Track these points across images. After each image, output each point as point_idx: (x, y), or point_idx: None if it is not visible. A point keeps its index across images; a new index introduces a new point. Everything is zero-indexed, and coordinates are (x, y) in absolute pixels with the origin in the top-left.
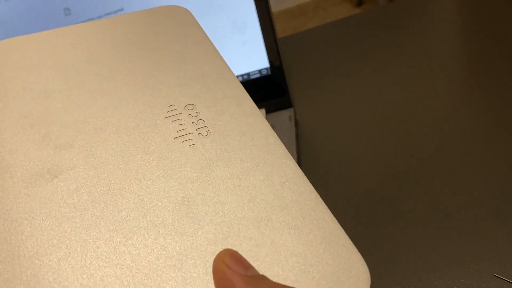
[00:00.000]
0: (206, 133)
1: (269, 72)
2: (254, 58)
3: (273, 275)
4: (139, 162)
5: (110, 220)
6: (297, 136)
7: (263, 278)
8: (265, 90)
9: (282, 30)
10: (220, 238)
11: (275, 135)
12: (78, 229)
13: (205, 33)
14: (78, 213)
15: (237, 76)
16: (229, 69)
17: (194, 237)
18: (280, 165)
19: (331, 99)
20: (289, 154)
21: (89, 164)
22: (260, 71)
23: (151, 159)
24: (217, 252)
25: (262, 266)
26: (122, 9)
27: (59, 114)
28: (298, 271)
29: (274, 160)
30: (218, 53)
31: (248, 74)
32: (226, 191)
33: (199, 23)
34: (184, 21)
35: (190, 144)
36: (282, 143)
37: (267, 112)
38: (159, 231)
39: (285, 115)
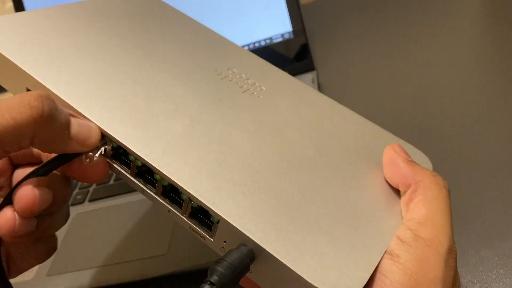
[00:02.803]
0: (262, 88)
1: (292, 36)
2: (277, 22)
3: None
4: (248, 110)
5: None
6: None
7: (416, 163)
8: (288, 54)
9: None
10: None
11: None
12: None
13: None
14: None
15: (260, 41)
16: (224, 37)
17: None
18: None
19: (353, 61)
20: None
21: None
22: (282, 35)
23: (249, 109)
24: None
25: None
26: None
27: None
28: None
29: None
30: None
31: (270, 38)
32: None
33: None
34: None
35: (257, 95)
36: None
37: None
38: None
39: (308, 77)
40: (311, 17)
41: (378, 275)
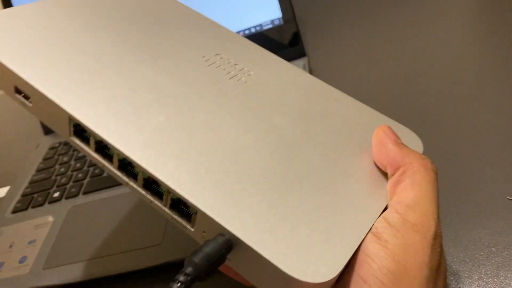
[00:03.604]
0: (250, 73)
1: (282, 22)
2: (267, 8)
3: None
4: (231, 100)
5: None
6: None
7: (405, 145)
8: (279, 40)
9: None
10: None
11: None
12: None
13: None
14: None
15: (250, 28)
16: (213, 21)
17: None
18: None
19: (344, 46)
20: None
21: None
22: (272, 21)
23: (235, 96)
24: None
25: None
26: None
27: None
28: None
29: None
30: (193, 9)
31: (260, 25)
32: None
33: None
34: None
35: (244, 81)
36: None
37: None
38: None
39: (299, 64)
40: (301, 2)
41: (365, 258)
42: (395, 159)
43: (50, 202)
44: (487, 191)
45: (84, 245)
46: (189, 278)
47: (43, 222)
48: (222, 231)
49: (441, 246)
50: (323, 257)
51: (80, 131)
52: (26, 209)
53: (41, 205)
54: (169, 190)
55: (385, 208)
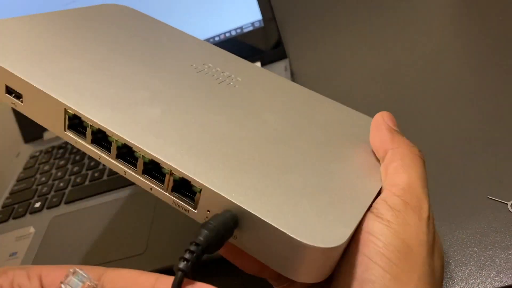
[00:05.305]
0: (238, 79)
1: (262, 24)
2: (246, 11)
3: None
4: (228, 101)
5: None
6: None
7: (402, 135)
8: (260, 43)
9: None
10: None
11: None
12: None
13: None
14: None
15: (231, 30)
16: (196, 38)
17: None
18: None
19: (325, 48)
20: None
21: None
22: (253, 23)
23: (226, 96)
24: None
25: None
26: None
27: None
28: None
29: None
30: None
31: (241, 27)
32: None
33: None
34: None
35: (234, 85)
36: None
37: (263, 64)
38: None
39: (280, 66)
40: (281, 4)
41: (369, 237)
42: (385, 141)
43: (31, 213)
44: (468, 191)
45: (67, 256)
46: (199, 247)
47: (25, 234)
48: (228, 207)
49: (434, 227)
50: (331, 223)
51: (75, 124)
52: (6, 220)
53: (22, 216)
54: (172, 171)
55: (380, 189)
